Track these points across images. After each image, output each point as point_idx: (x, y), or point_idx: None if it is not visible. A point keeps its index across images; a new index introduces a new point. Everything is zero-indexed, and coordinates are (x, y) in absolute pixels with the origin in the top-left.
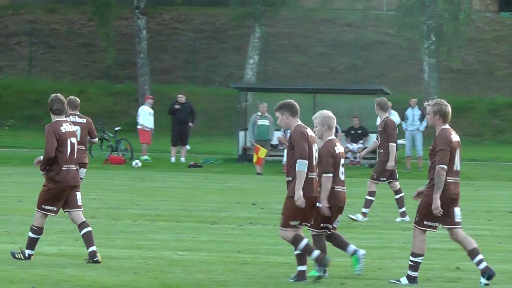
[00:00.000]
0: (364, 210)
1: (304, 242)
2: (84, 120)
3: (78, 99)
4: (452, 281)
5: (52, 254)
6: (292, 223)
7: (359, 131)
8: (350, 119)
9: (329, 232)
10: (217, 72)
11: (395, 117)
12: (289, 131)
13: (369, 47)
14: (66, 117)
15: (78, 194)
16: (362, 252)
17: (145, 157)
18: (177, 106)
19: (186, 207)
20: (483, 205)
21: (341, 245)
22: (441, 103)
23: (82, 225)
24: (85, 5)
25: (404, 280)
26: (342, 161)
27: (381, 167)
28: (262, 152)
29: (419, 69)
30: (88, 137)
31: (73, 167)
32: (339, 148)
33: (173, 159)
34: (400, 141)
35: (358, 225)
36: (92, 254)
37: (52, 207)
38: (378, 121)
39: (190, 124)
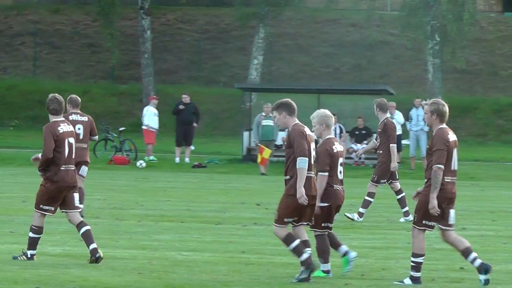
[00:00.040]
0: (361, 210)
1: (295, 243)
2: (86, 118)
3: (78, 97)
4: (456, 281)
5: (57, 254)
6: (287, 219)
7: (364, 132)
8: (355, 120)
9: (331, 232)
10: (222, 72)
11: (399, 117)
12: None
13: (373, 47)
14: (69, 115)
15: (76, 195)
16: (353, 254)
17: (151, 157)
18: (181, 107)
19: (190, 208)
20: (487, 205)
21: (334, 244)
22: (438, 103)
23: (80, 225)
24: (90, 6)
25: (407, 281)
26: (341, 160)
27: (380, 169)
28: (267, 153)
29: (423, 69)
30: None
31: (72, 167)
32: (337, 147)
33: (177, 160)
34: (404, 142)
35: (362, 225)
36: (94, 252)
37: (49, 207)
38: None
39: (195, 124)
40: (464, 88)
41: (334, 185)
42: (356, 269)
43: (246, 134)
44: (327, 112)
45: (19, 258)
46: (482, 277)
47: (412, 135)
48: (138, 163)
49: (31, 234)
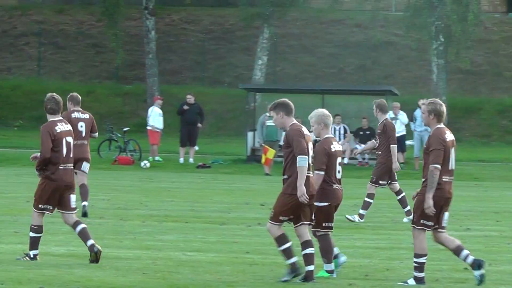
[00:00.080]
0: (361, 211)
1: (286, 245)
2: (87, 116)
3: (79, 95)
4: (461, 282)
5: (61, 254)
6: (282, 218)
7: (368, 132)
8: (359, 120)
9: (332, 231)
10: (226, 72)
11: (403, 117)
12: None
13: (377, 48)
14: (71, 113)
15: (73, 196)
16: (343, 259)
17: (157, 158)
18: (185, 107)
19: (194, 208)
20: (491, 206)
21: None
22: (435, 103)
23: (75, 224)
24: (94, 6)
25: (411, 281)
26: (339, 159)
27: (379, 170)
28: (271, 153)
29: (427, 70)
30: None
31: (70, 166)
32: (336, 147)
33: (181, 160)
34: (408, 142)
35: (366, 226)
36: (92, 247)
37: (48, 206)
38: None
39: (199, 124)
40: (468, 89)
41: (333, 185)
42: (360, 270)
43: (250, 134)
44: (325, 111)
45: (22, 259)
46: (477, 273)
47: (416, 136)
48: (142, 164)
49: (31, 234)
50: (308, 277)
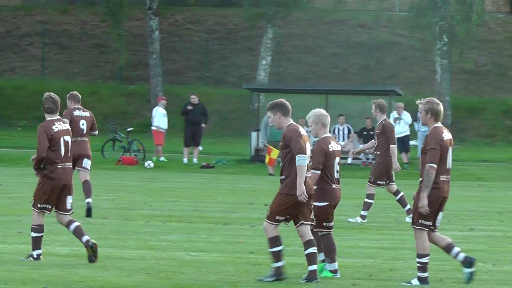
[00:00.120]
0: (363, 213)
1: (278, 248)
2: (88, 114)
3: (79, 94)
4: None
5: (64, 254)
6: (278, 217)
7: (372, 132)
8: (363, 120)
9: (331, 231)
10: (230, 73)
11: (407, 117)
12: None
13: (381, 48)
14: (72, 111)
15: (69, 197)
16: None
17: (162, 158)
18: (189, 107)
19: (198, 208)
20: (495, 206)
21: (319, 246)
22: (432, 102)
23: (69, 223)
24: (98, 6)
25: (415, 282)
26: (338, 159)
27: (377, 170)
28: (275, 153)
29: (431, 70)
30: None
31: (68, 165)
32: (334, 146)
33: (185, 160)
34: (412, 142)
35: (370, 226)
36: (87, 243)
37: (46, 205)
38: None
39: (203, 125)
40: (472, 89)
41: (332, 184)
42: (364, 270)
43: (254, 134)
44: (322, 111)
45: (26, 260)
46: (467, 270)
47: (420, 136)
48: (146, 164)
49: (33, 234)
50: (311, 276)
